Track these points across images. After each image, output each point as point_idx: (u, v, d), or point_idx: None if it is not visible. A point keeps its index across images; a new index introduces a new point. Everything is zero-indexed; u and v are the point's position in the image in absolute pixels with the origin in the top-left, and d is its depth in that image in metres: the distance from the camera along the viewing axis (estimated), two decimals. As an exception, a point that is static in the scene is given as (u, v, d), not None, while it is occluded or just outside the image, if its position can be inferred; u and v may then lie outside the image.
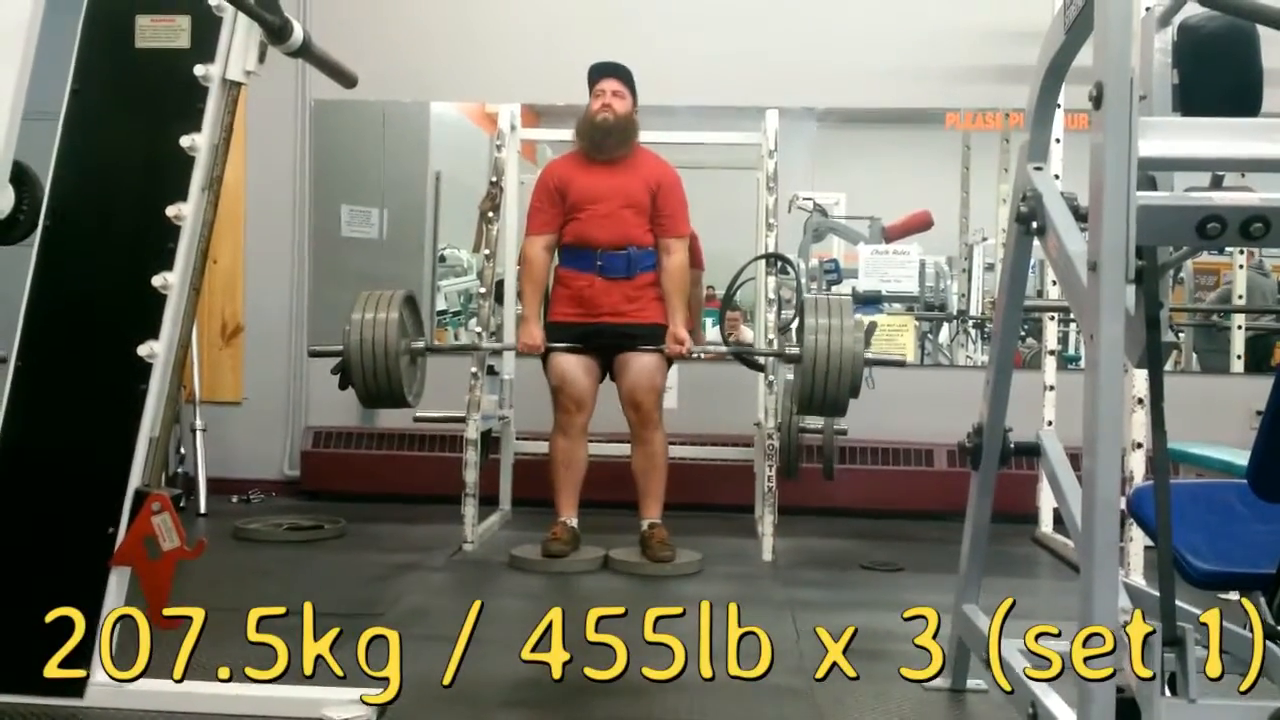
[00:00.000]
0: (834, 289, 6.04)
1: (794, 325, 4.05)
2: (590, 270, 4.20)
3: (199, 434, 5.21)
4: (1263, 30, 1.84)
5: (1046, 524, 4.81)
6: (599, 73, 4.30)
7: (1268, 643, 1.99)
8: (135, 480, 2.33)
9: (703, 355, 4.25)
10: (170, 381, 2.37)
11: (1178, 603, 1.68)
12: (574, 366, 4.18)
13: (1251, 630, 1.87)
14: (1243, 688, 1.85)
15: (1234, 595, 2.40)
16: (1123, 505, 1.84)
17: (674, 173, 4.31)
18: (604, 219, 4.19)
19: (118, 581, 2.34)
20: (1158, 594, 1.68)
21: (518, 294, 4.51)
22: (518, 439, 5.07)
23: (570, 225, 4.23)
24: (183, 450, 5.25)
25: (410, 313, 4.18)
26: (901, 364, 4.02)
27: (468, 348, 4.33)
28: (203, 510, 5.03)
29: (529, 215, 4.35)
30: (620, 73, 4.30)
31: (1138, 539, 3.68)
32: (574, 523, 4.24)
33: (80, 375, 2.39)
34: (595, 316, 4.20)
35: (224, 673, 2.64)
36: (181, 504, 2.35)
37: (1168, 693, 1.59)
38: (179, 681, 2.46)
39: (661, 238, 4.21)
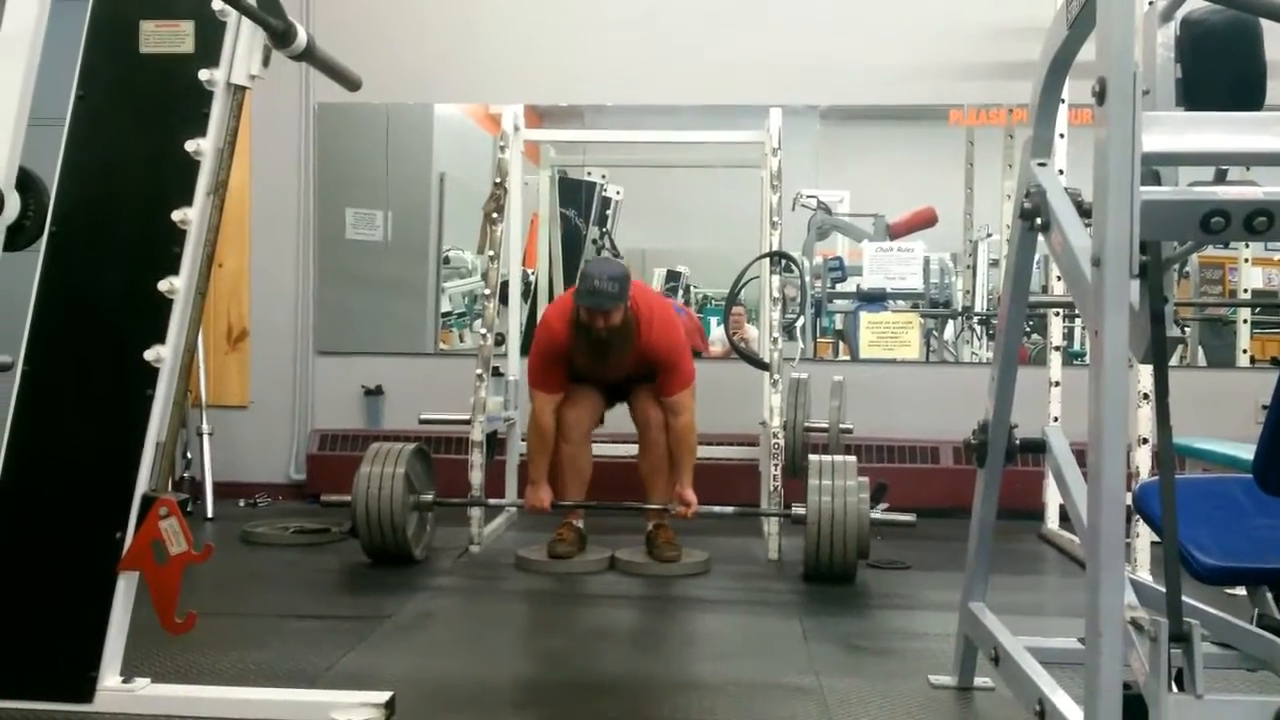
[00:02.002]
0: (838, 285, 6.04)
1: (799, 323, 4.00)
2: None
3: (205, 438, 5.22)
4: (1266, 24, 1.84)
5: (1053, 520, 4.81)
6: (585, 306, 3.96)
7: (1275, 637, 1.99)
8: (142, 485, 2.34)
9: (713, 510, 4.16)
10: (177, 386, 2.38)
11: (1184, 598, 1.68)
12: (579, 391, 4.23)
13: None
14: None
15: (1240, 590, 2.40)
16: (1128, 501, 1.84)
17: (667, 331, 4.14)
18: (607, 384, 4.27)
19: (126, 586, 2.34)
20: (1164, 590, 1.68)
21: (528, 455, 4.36)
22: (524, 440, 5.06)
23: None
24: (189, 454, 5.26)
25: (420, 465, 4.20)
26: (912, 525, 3.95)
27: (471, 503, 4.31)
28: (210, 514, 5.04)
29: (533, 370, 4.22)
30: (603, 305, 3.92)
31: (1144, 535, 3.68)
32: (580, 524, 4.25)
33: (87, 380, 2.40)
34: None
35: (233, 676, 2.65)
36: (188, 508, 2.35)
37: (1174, 688, 1.59)
38: (187, 685, 2.48)
39: (665, 398, 4.14)
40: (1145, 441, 3.67)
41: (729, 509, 4.20)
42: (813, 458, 4.05)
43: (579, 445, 4.22)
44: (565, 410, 4.19)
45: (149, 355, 2.33)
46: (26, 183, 2.38)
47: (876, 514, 3.85)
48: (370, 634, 3.13)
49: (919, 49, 5.49)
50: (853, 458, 4.02)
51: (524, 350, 4.91)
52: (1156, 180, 1.83)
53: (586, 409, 4.23)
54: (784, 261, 4.53)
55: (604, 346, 4.01)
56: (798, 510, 3.90)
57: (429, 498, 4.20)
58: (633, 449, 4.35)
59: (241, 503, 5.42)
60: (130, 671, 2.37)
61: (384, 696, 2.34)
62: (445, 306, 6.13)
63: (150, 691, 2.35)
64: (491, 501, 4.40)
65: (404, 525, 3.98)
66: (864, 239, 6.01)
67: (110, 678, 2.33)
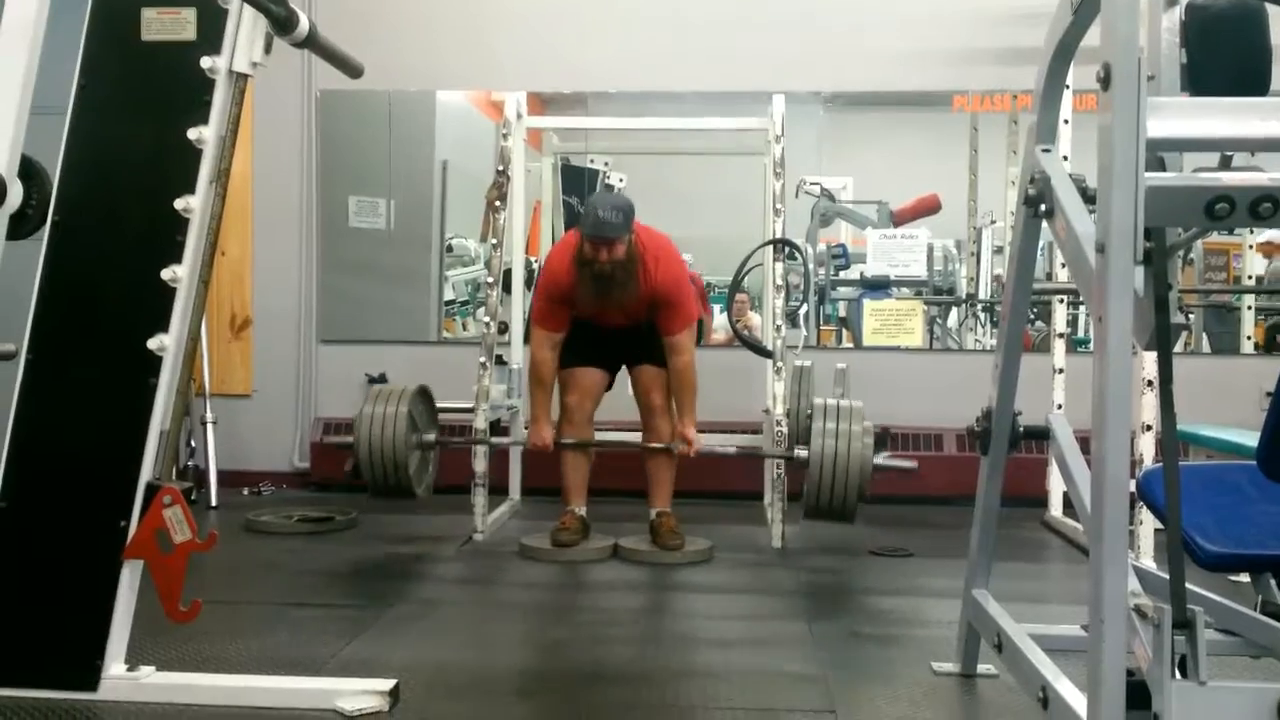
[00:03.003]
0: (841, 273, 6.04)
1: (802, 310, 4.00)
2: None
3: (209, 427, 5.23)
4: (1271, 9, 1.83)
5: (1056, 508, 4.81)
6: (589, 236, 3.97)
7: (1278, 624, 1.99)
8: (146, 474, 2.34)
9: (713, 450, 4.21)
10: (180, 375, 2.38)
11: (1187, 585, 1.68)
12: (583, 369, 4.23)
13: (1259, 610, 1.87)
14: None
15: (1244, 577, 2.40)
16: (1132, 488, 1.84)
17: (671, 268, 4.14)
18: (610, 330, 4.22)
19: (130, 575, 2.35)
20: (1167, 576, 1.68)
21: (528, 396, 4.42)
22: (527, 428, 5.07)
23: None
24: (193, 443, 5.27)
25: (422, 406, 4.20)
26: (913, 471, 3.96)
27: (476, 441, 4.33)
28: (214, 503, 5.05)
29: (535, 307, 4.28)
30: (606, 235, 3.93)
31: (1147, 522, 3.67)
32: (583, 512, 4.25)
33: (91, 369, 2.40)
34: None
35: (237, 664, 2.66)
36: (192, 497, 2.36)
37: (1177, 675, 1.59)
38: (192, 673, 2.48)
39: (665, 337, 4.13)
40: (1149, 428, 3.67)
41: (730, 449, 4.28)
42: (817, 401, 4.06)
43: (581, 428, 4.23)
44: (567, 394, 4.21)
45: (152, 344, 2.34)
46: (29, 171, 2.39)
47: (879, 460, 3.86)
48: (374, 622, 3.13)
49: (923, 35, 5.47)
50: (860, 402, 4.03)
51: (527, 339, 4.92)
52: (1161, 166, 1.83)
53: (588, 392, 4.24)
54: (787, 249, 4.53)
55: (607, 282, 4.00)
56: (800, 453, 3.93)
57: (431, 437, 4.21)
58: (634, 435, 4.36)
59: (245, 491, 5.43)
60: (135, 659, 2.38)
61: (388, 684, 2.35)
62: (448, 295, 6.13)
63: (155, 679, 2.36)
64: (494, 441, 4.43)
65: (406, 462, 4.00)
66: (867, 226, 6.00)
67: (115, 666, 2.34)
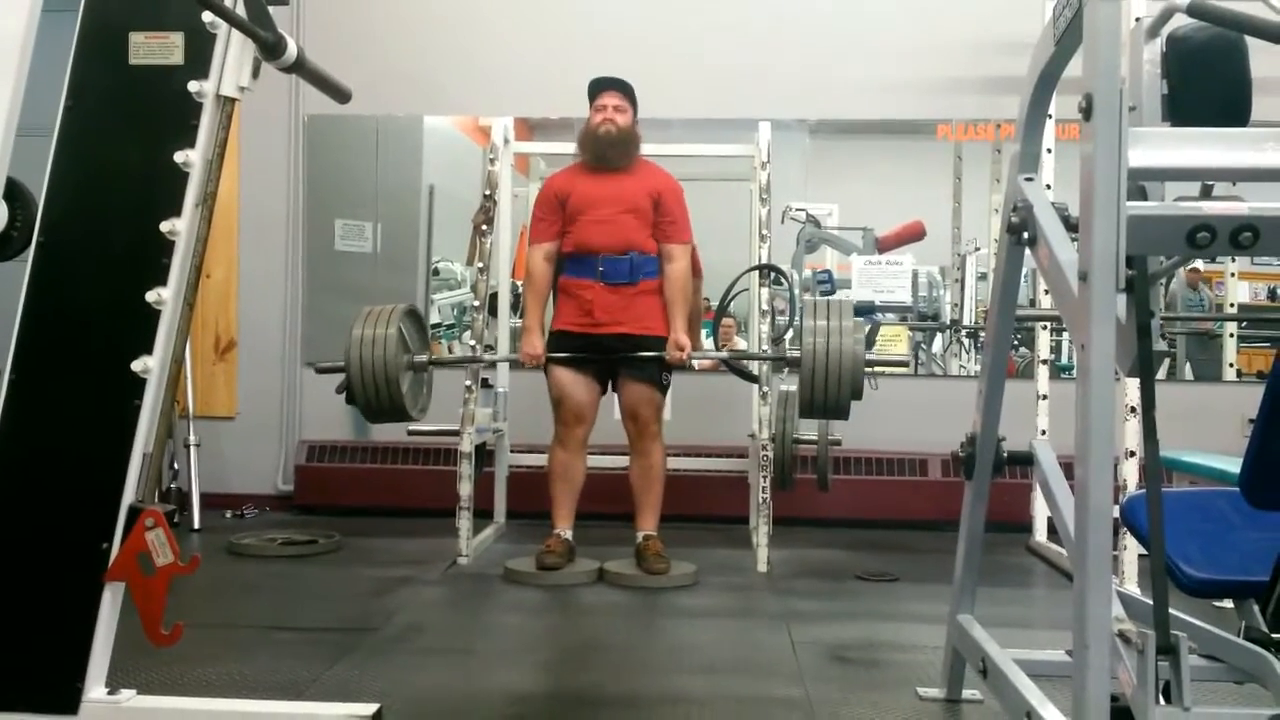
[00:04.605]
0: (827, 298, 6.05)
1: (789, 335, 4.03)
2: (592, 277, 4.18)
3: (193, 449, 5.21)
4: (1251, 40, 1.86)
5: (1041, 533, 4.82)
6: (600, 86, 4.34)
7: (1262, 650, 2.00)
8: (129, 496, 2.32)
9: (696, 366, 4.22)
10: (164, 397, 2.37)
11: (1171, 611, 1.69)
12: (574, 380, 4.20)
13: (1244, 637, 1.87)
14: None
15: (1227, 603, 2.41)
16: (1116, 514, 1.85)
17: (676, 182, 4.33)
18: (604, 224, 4.18)
19: (111, 597, 2.33)
20: (1151, 602, 1.68)
21: (520, 305, 4.53)
22: (512, 451, 5.07)
23: (571, 231, 4.23)
24: (176, 465, 5.24)
25: (412, 326, 4.16)
26: (905, 364, 4.00)
27: (469, 360, 4.35)
28: (196, 526, 5.02)
29: (531, 226, 4.41)
30: (621, 87, 4.34)
31: (1131, 547, 3.69)
32: (569, 535, 4.24)
33: (74, 391, 2.39)
34: (597, 326, 4.17)
35: (219, 688, 2.64)
36: (175, 520, 2.33)
37: (1162, 701, 1.60)
38: (173, 697, 2.46)
39: (664, 244, 4.22)
40: (1132, 454, 3.69)
41: (724, 353, 4.38)
42: (807, 297, 4.07)
43: (574, 454, 4.22)
44: (564, 416, 4.19)
45: (136, 366, 2.32)
46: (14, 193, 2.38)
47: (870, 356, 3.89)
48: (358, 646, 3.12)
49: (907, 64, 5.51)
50: (850, 300, 4.03)
51: (513, 365, 4.92)
52: (1143, 195, 1.84)
53: (584, 412, 4.21)
54: (773, 274, 4.55)
55: (607, 143, 4.21)
56: (793, 353, 3.95)
57: (424, 359, 4.17)
58: (619, 460, 4.35)
59: (229, 514, 5.39)
60: (116, 682, 2.35)
61: (371, 709, 2.33)
62: (434, 318, 6.11)
63: (136, 703, 2.34)
64: (487, 357, 4.48)
65: (399, 381, 3.95)
66: (853, 252, 6.02)
67: (96, 689, 2.31)
